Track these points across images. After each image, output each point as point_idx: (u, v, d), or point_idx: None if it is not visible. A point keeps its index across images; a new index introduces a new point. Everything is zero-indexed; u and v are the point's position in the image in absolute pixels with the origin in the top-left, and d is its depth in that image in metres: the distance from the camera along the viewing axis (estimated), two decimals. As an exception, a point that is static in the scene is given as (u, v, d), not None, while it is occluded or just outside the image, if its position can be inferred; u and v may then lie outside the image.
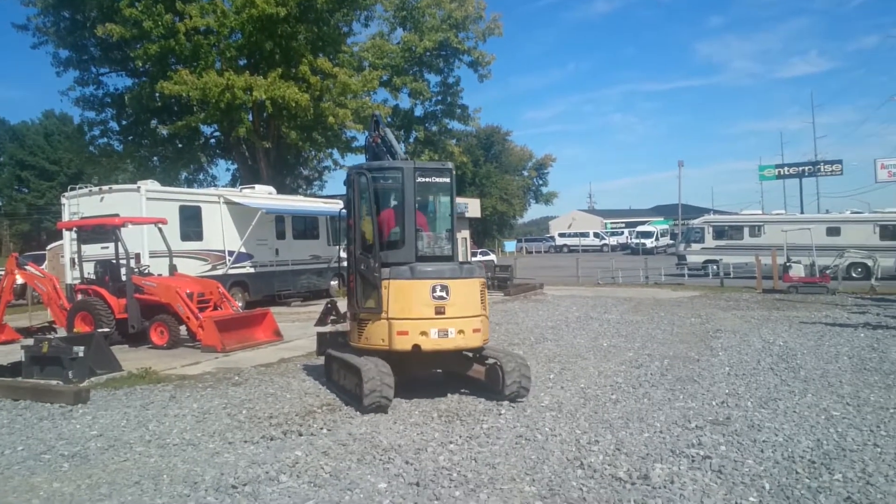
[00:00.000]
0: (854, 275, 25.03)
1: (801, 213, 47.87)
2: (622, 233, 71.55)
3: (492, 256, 46.24)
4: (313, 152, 35.66)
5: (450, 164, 8.65)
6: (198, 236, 17.85)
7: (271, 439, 6.52)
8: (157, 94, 27.73)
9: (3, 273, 14.45)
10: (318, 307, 11.95)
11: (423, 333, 7.51)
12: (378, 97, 36.21)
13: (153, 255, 15.19)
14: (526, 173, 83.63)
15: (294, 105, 26.80)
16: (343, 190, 8.98)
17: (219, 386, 9.08)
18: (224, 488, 5.22)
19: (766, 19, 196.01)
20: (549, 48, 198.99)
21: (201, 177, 37.27)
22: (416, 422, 7.01)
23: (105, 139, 33.29)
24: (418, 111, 41.72)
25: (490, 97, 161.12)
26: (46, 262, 22.84)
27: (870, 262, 21.78)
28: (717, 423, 6.72)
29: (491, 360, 8.04)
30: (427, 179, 8.20)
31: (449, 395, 8.09)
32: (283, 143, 31.22)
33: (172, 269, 13.74)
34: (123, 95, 31.00)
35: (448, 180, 8.38)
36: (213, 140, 35.61)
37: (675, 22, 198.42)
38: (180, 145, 33.15)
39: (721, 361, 10.06)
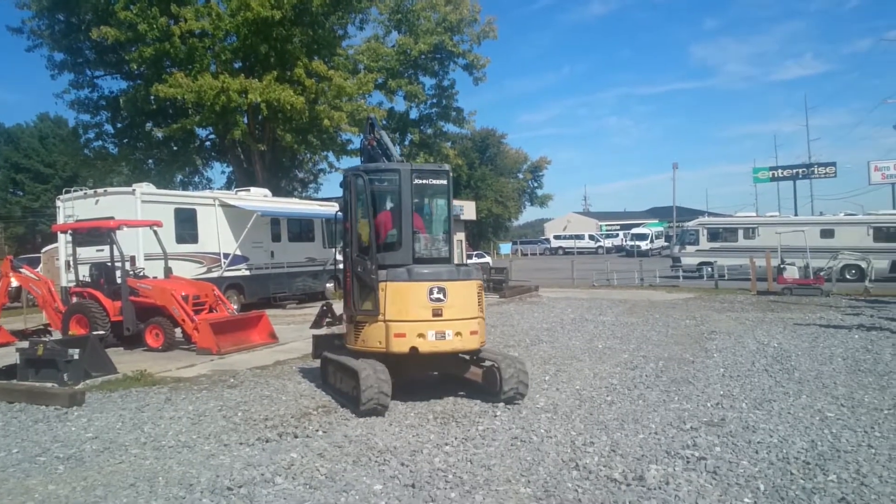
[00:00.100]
0: (848, 276, 25.12)
1: (795, 215, 48.19)
2: (617, 235, 71.75)
3: (487, 259, 46.36)
4: (308, 155, 35.66)
5: (447, 166, 8.66)
6: (193, 239, 17.83)
7: (267, 441, 6.52)
8: (152, 97, 27.66)
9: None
10: (313, 309, 11.94)
11: (421, 336, 7.50)
12: (373, 100, 36.19)
13: (148, 257, 15.19)
14: (521, 176, 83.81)
15: (289, 108, 26.77)
16: (338, 192, 8.97)
17: (214, 388, 9.07)
18: (219, 490, 5.22)
19: (760, 22, 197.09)
20: (543, 51, 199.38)
21: (196, 179, 37.22)
22: (412, 424, 7.02)
23: (100, 142, 33.16)
24: (413, 114, 41.82)
25: (485, 100, 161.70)
26: (41, 265, 22.75)
27: (863, 264, 21.86)
28: (712, 424, 6.74)
29: (488, 363, 8.04)
30: (424, 181, 8.21)
31: (444, 397, 8.09)
32: (279, 145, 31.18)
33: (168, 271, 13.73)
34: (118, 98, 30.91)
35: (445, 182, 8.40)
36: (208, 143, 35.54)
37: (670, 24, 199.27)
38: (175, 148, 33.05)
39: (716, 363, 10.09)
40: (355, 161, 31.15)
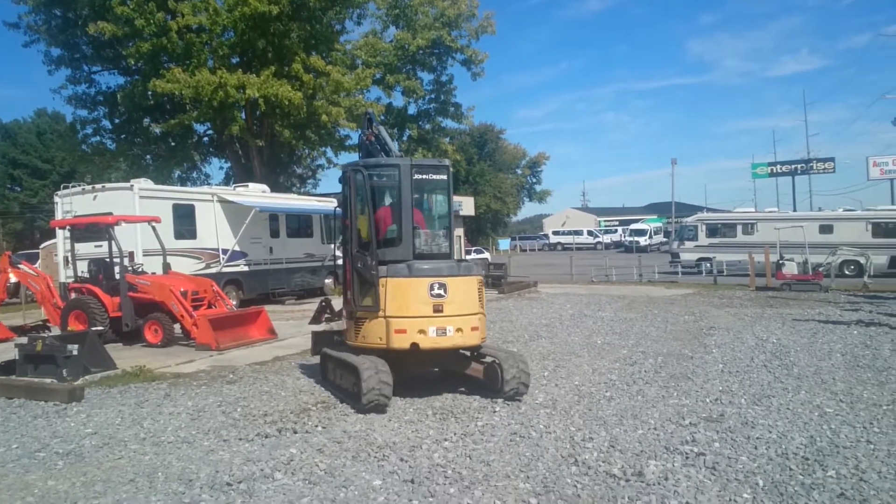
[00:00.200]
0: (847, 272, 25.17)
1: (794, 210, 48.19)
2: (616, 231, 71.75)
3: (486, 254, 46.33)
4: (307, 150, 35.62)
5: (447, 161, 8.64)
6: (191, 234, 17.81)
7: (266, 437, 6.52)
8: (150, 93, 27.58)
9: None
10: (312, 305, 11.94)
11: (422, 332, 7.48)
12: (371, 95, 36.23)
13: (147, 253, 15.15)
14: (519, 171, 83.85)
15: (287, 103, 26.73)
16: (337, 188, 8.94)
17: (213, 384, 9.07)
18: (219, 486, 5.22)
19: (757, 17, 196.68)
20: (541, 46, 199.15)
21: (194, 175, 37.16)
22: (411, 419, 7.02)
23: (98, 137, 33.12)
24: (412, 109, 41.81)
25: (483, 95, 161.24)
26: (40, 261, 22.75)
27: (862, 260, 21.92)
28: (711, 420, 6.75)
29: (489, 359, 8.02)
30: (424, 176, 8.16)
31: (444, 393, 8.09)
32: (277, 141, 31.14)
33: (166, 267, 13.71)
34: (116, 94, 30.87)
35: (445, 177, 8.37)
36: (206, 138, 35.46)
37: (668, 20, 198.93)
38: (173, 143, 33.01)
39: (715, 359, 10.11)
40: (353, 157, 31.20)
